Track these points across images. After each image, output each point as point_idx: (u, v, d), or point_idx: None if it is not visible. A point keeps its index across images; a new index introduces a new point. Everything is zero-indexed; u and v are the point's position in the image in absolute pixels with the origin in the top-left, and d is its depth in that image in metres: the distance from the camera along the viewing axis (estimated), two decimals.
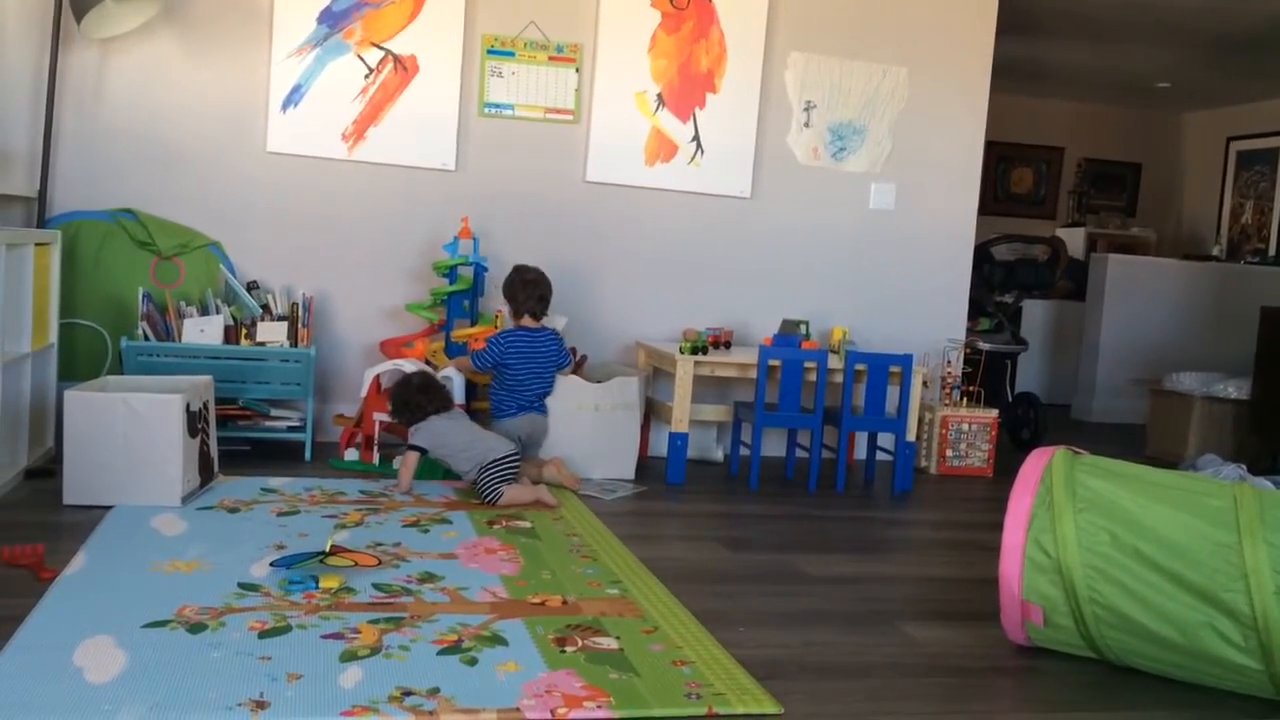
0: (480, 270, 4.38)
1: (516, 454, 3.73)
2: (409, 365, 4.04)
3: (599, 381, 4.24)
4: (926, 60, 5.06)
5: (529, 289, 4.15)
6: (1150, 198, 9.14)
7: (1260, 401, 5.39)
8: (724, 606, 2.77)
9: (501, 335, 4.13)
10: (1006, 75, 7.00)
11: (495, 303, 4.44)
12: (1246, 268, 7.52)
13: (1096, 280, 7.15)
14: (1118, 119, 8.98)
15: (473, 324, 4.38)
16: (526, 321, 4.16)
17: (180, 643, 2.23)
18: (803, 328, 4.55)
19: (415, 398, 3.76)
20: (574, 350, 4.46)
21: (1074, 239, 8.26)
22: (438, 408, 3.77)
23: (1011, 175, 8.90)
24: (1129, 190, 9.13)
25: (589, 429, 4.17)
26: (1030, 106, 8.66)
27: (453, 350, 4.31)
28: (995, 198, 8.65)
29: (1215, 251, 8.23)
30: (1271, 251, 7.99)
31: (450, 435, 3.73)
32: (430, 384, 3.82)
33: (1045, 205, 8.97)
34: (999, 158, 8.62)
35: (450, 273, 4.34)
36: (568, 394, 4.16)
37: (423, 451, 3.72)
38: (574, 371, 4.33)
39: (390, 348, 4.33)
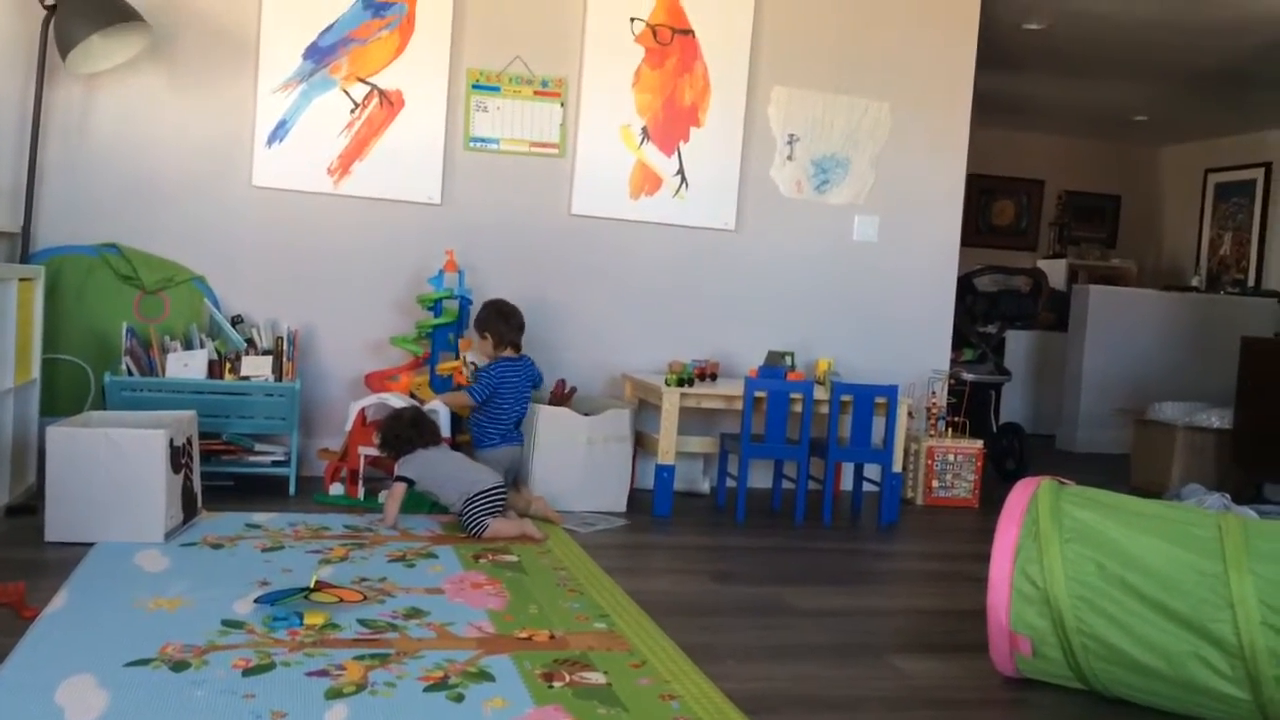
0: (465, 303, 4.39)
1: (503, 487, 3.73)
2: (394, 399, 4.03)
3: (586, 414, 4.24)
4: (908, 95, 5.11)
5: (510, 321, 4.27)
6: (1130, 229, 9.23)
7: (1242, 431, 5.42)
8: (712, 640, 2.76)
9: (493, 367, 4.22)
10: (987, 109, 7.07)
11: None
12: (1226, 298, 7.59)
13: (1078, 311, 7.20)
14: (1097, 152, 9.09)
15: (457, 357, 4.37)
16: (508, 352, 4.24)
17: (163, 681, 2.20)
18: (788, 359, 4.56)
19: (405, 431, 3.75)
20: (563, 382, 4.48)
21: (1055, 270, 8.32)
22: (426, 442, 3.76)
23: (993, 207, 8.98)
24: (1109, 222, 9.22)
25: (581, 462, 4.17)
26: (1011, 140, 8.75)
27: (437, 383, 4.30)
28: (977, 230, 8.71)
29: (1195, 282, 8.31)
30: (1250, 282, 8.07)
31: (438, 466, 3.72)
32: (420, 418, 3.82)
33: (1027, 237, 9.05)
34: (980, 190, 8.69)
35: (435, 306, 4.34)
36: (560, 427, 4.16)
37: (410, 483, 3.70)
38: (563, 403, 4.35)
39: (375, 381, 4.32)
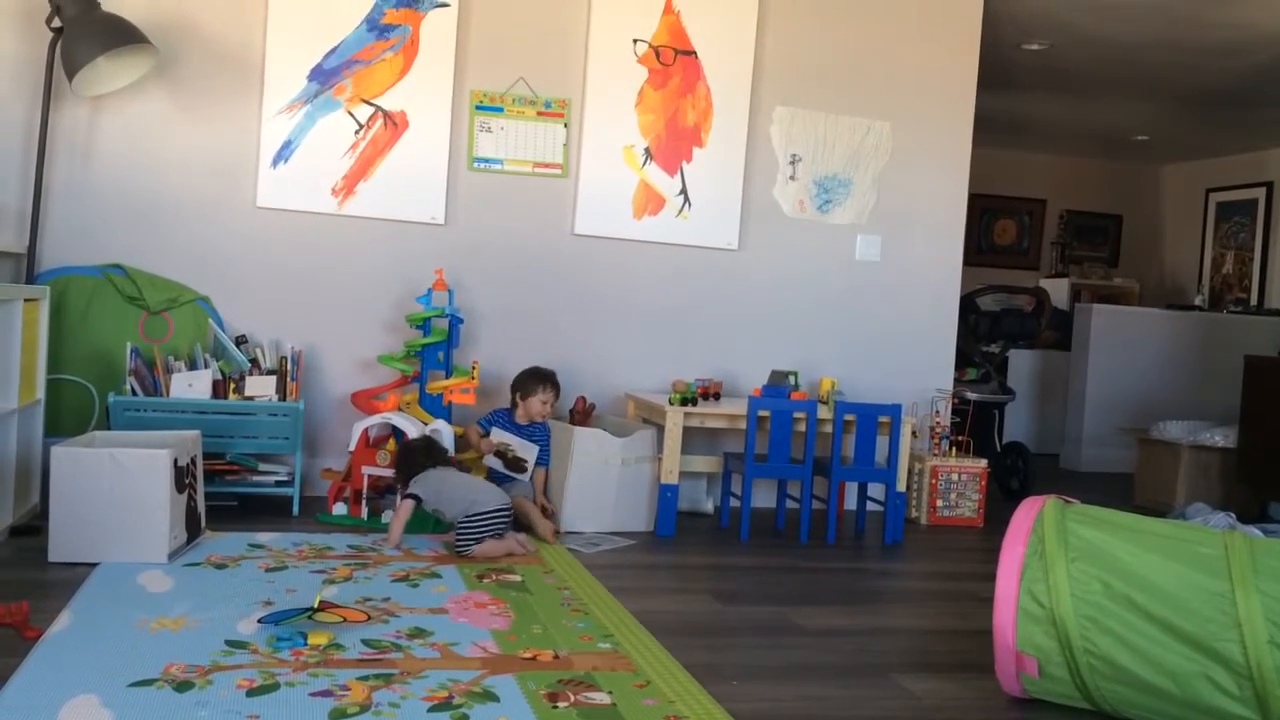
0: (456, 322, 4.39)
1: (506, 509, 3.72)
2: (398, 418, 4.03)
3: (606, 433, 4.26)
4: (910, 115, 5.13)
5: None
6: (1132, 249, 9.25)
7: (1247, 450, 5.41)
8: (716, 660, 2.75)
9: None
10: (988, 129, 7.11)
11: (470, 354, 4.53)
12: (1229, 317, 7.59)
13: (1081, 330, 7.20)
14: (1098, 171, 9.11)
15: (448, 376, 4.37)
16: None
17: (167, 702, 2.20)
18: (792, 378, 4.56)
19: (419, 458, 3.78)
20: (583, 399, 4.51)
21: (1058, 289, 8.33)
22: (437, 464, 3.80)
23: (995, 227, 9.00)
24: (1110, 241, 9.23)
25: (615, 482, 4.18)
26: (1012, 159, 8.78)
27: (427, 401, 4.30)
28: (979, 249, 8.74)
29: (1198, 301, 8.32)
30: (1253, 301, 8.07)
31: (445, 482, 3.73)
32: (431, 445, 3.86)
33: (1028, 256, 9.07)
34: (982, 210, 8.72)
35: (424, 324, 4.35)
36: (595, 448, 4.17)
37: (418, 500, 3.70)
38: (585, 420, 4.43)
39: (361, 400, 4.30)
